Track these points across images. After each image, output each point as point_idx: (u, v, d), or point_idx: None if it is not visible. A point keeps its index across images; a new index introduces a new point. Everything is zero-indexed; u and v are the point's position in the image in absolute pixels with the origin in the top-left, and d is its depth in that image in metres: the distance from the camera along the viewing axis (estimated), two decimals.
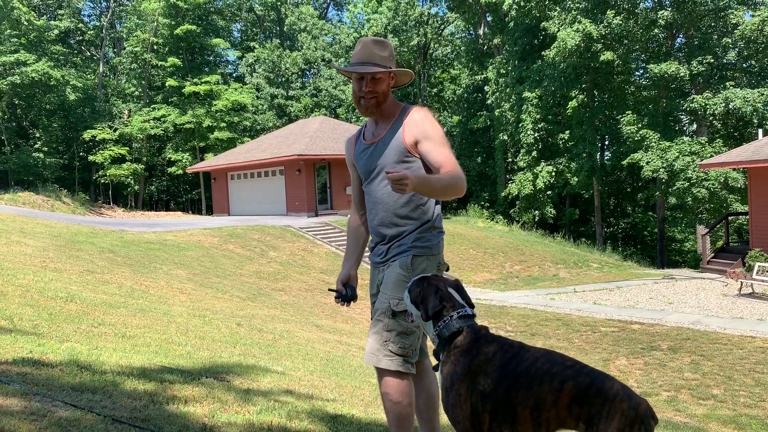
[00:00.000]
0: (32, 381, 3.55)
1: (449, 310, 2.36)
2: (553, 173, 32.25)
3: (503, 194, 35.01)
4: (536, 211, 33.48)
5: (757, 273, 16.79)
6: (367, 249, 3.11)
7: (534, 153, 33.18)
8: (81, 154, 42.96)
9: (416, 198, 2.81)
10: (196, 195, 45.34)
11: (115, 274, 12.30)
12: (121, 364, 4.47)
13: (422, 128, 2.78)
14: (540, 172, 32.35)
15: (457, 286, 2.49)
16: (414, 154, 2.79)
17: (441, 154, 2.75)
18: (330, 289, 3.03)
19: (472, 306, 2.43)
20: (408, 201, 2.81)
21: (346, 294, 2.96)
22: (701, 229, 26.73)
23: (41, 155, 38.47)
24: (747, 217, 22.09)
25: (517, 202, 34.37)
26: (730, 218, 24.76)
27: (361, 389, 5.50)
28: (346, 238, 3.13)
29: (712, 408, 9.71)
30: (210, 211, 36.50)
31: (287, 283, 17.87)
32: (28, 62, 36.59)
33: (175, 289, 12.32)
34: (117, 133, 40.77)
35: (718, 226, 24.24)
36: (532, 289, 19.76)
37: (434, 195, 2.66)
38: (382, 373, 2.75)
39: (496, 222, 32.72)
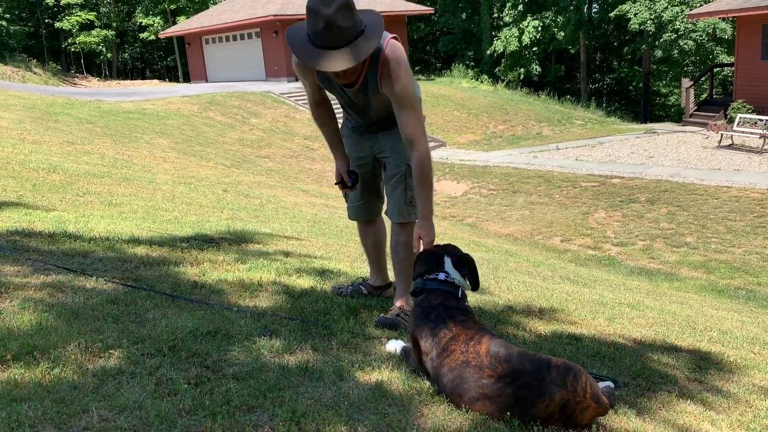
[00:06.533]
0: (22, 248, 3.62)
1: (429, 273, 2.44)
2: (540, 28, 31.29)
3: (488, 52, 34.13)
4: (521, 69, 32.84)
5: (738, 124, 16.91)
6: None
7: (520, 7, 31.96)
8: (47, 20, 40.81)
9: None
10: (172, 62, 43.72)
11: (96, 144, 12.16)
12: (110, 230, 4.53)
13: (395, 90, 2.69)
14: (526, 27, 31.35)
15: (461, 259, 2.50)
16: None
17: (411, 126, 2.72)
18: (336, 184, 3.20)
19: (462, 277, 2.45)
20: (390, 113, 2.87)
21: (353, 182, 3.12)
22: (686, 82, 26.52)
23: (4, 23, 36.49)
24: (732, 68, 21.84)
25: (503, 60, 33.60)
26: (715, 70, 24.49)
27: (347, 247, 5.67)
28: (322, 132, 3.20)
29: (684, 255, 10.18)
30: (187, 78, 35.43)
31: (271, 150, 17.81)
32: None
33: (158, 158, 12.26)
34: None
35: (702, 79, 24.01)
36: (515, 148, 19.89)
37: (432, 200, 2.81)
38: (401, 225, 3.06)
39: (481, 82, 32.15)
